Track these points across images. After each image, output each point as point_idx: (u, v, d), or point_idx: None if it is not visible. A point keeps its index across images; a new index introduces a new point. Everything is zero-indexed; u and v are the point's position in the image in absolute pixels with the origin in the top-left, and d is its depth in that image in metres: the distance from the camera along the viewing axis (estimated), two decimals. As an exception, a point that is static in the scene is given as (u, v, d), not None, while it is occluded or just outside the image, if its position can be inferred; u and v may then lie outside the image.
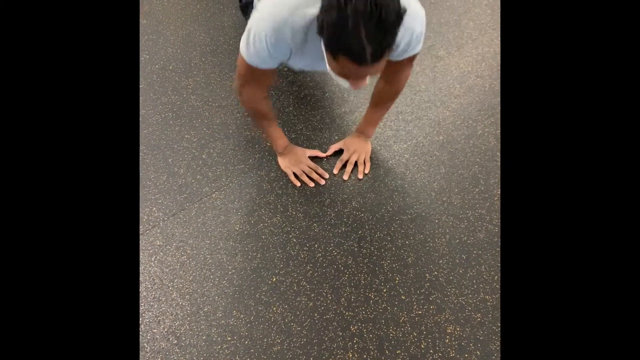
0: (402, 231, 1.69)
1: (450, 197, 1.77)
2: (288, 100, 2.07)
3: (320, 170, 1.83)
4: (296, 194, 1.78)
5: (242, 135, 1.93)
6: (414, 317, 1.51)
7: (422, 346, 1.46)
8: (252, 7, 1.72)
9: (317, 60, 1.37)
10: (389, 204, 1.75)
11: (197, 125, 1.97)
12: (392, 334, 1.48)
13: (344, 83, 1.28)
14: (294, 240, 1.66)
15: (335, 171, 1.83)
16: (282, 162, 1.83)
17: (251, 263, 1.61)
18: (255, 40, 1.33)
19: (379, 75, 1.56)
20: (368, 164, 1.85)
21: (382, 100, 1.75)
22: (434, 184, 1.80)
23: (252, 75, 1.46)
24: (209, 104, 2.03)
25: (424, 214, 1.74)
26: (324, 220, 1.71)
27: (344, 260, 1.62)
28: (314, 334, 1.48)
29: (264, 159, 1.87)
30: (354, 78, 1.23)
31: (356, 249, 1.65)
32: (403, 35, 1.33)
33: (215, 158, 1.87)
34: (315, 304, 1.53)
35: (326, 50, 1.18)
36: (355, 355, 1.44)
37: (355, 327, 1.49)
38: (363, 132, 1.86)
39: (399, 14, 1.10)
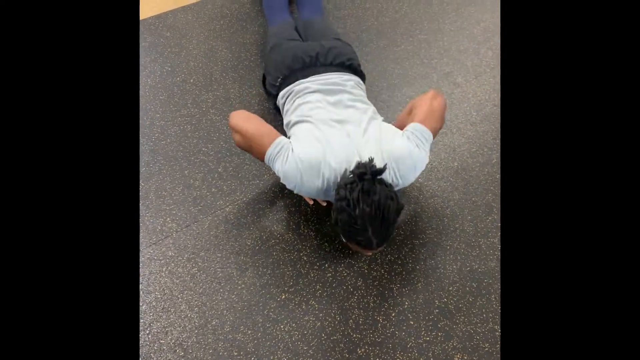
0: (413, 255, 1.69)
1: (462, 224, 1.77)
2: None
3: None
4: (309, 212, 1.79)
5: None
6: (422, 343, 1.50)
7: (429, 373, 1.45)
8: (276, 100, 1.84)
9: None
10: (401, 228, 1.76)
11: (214, 138, 1.99)
12: (399, 358, 1.47)
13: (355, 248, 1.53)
14: (305, 258, 1.67)
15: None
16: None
17: (261, 279, 1.62)
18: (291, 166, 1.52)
19: None
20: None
21: None
22: (446, 210, 1.81)
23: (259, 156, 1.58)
24: (227, 119, 2.05)
25: (435, 239, 1.73)
26: (336, 240, 1.71)
27: (354, 281, 1.62)
28: (320, 355, 1.47)
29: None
30: (363, 252, 1.50)
31: (366, 270, 1.65)
32: (403, 184, 1.56)
33: (231, 172, 1.88)
34: (323, 324, 1.53)
35: (340, 233, 1.44)
36: (361, 378, 1.43)
37: (363, 349, 1.49)
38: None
39: (398, 210, 1.40)
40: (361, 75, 1.82)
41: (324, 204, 1.79)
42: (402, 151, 1.51)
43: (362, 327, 1.53)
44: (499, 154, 1.98)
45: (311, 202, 1.80)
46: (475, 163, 1.95)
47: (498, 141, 2.03)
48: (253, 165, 1.90)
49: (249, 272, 1.63)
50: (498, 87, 2.24)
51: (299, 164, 1.48)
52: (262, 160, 1.56)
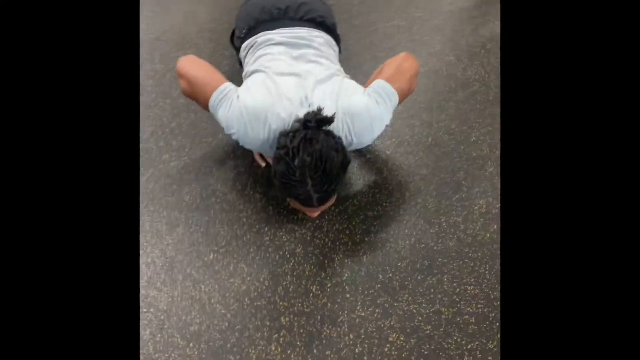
0: (364, 227, 1.52)
1: (425, 200, 1.59)
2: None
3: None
4: (259, 175, 1.64)
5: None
6: (355, 318, 1.33)
7: (357, 351, 1.27)
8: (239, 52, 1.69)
9: None
10: (356, 198, 1.59)
11: (174, 95, 1.88)
12: (326, 332, 1.30)
13: (300, 208, 1.43)
14: (244, 220, 1.52)
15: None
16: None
17: (191, 237, 1.47)
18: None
19: None
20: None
21: None
22: (410, 184, 1.63)
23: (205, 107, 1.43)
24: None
25: (392, 212, 1.56)
26: (281, 204, 1.56)
27: (293, 247, 1.46)
28: (238, 319, 1.31)
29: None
30: (305, 211, 1.38)
31: (309, 238, 1.49)
32: (359, 144, 1.41)
33: (184, 129, 1.76)
34: (248, 288, 1.37)
35: (278, 192, 1.33)
36: (279, 349, 1.26)
37: (287, 318, 1.32)
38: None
39: (344, 164, 1.27)
40: (335, 35, 1.67)
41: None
42: (359, 107, 1.35)
43: (291, 295, 1.36)
44: (479, 134, 1.80)
45: (263, 164, 1.65)
46: (452, 140, 1.77)
47: (480, 120, 1.84)
48: (209, 123, 1.77)
49: (179, 229, 1.49)
50: (490, 67, 2.07)
51: (243, 112, 1.33)
52: (208, 109, 1.42)
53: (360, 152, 1.71)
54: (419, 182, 1.64)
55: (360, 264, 1.44)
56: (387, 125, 1.39)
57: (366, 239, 1.49)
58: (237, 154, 1.69)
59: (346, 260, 1.44)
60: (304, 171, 1.22)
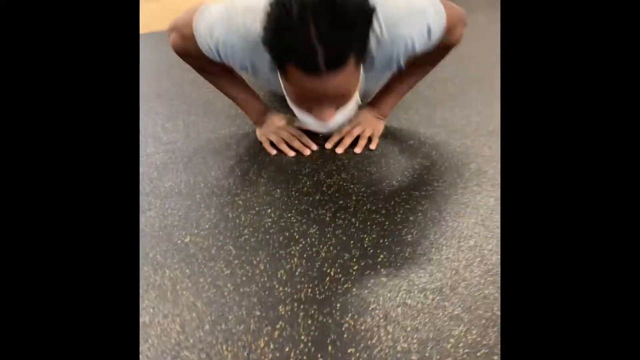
0: (407, 206, 1.06)
1: (489, 181, 1.14)
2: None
3: (306, 139, 1.29)
4: (267, 161, 1.24)
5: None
6: (397, 305, 0.83)
7: (399, 348, 0.76)
8: None
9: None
10: (395, 178, 1.16)
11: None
12: (349, 323, 0.80)
13: (308, 120, 1.00)
14: (240, 202, 1.10)
15: (328, 145, 1.29)
16: (259, 132, 1.33)
17: (164, 220, 1.05)
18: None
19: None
20: (375, 141, 1.30)
21: (418, 59, 1.25)
22: (468, 165, 1.19)
23: (192, 45, 1.09)
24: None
25: (446, 192, 1.10)
26: (294, 188, 1.14)
27: (304, 228, 1.01)
28: (212, 309, 0.84)
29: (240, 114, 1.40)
30: (315, 103, 0.93)
31: (328, 218, 1.04)
32: (391, 49, 1.00)
33: (180, 126, 1.42)
34: (235, 272, 0.91)
35: (274, 62, 0.88)
36: (271, 345, 0.78)
37: (287, 307, 0.84)
38: (377, 105, 1.34)
39: (363, 9, 0.85)
40: None
41: (292, 154, 1.28)
42: None
43: (297, 279, 0.92)
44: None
45: (273, 152, 1.27)
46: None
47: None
48: (210, 119, 1.43)
49: (150, 213, 1.08)
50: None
51: (229, 8, 1.01)
52: (195, 50, 1.09)
53: (400, 138, 1.30)
54: (482, 163, 1.19)
55: (403, 243, 0.96)
56: (431, 28, 1.00)
57: (411, 217, 1.03)
58: (240, 144, 1.31)
59: (382, 241, 0.97)
60: (304, 9, 0.81)
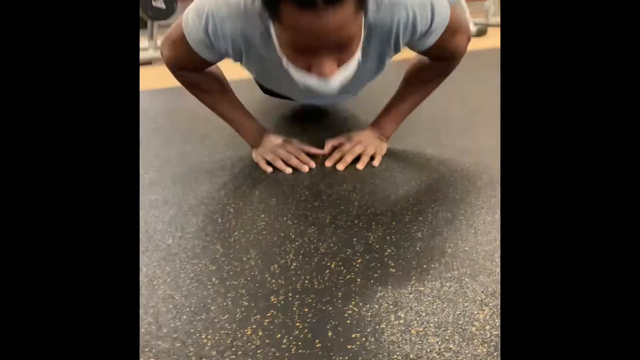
0: (415, 209, 0.96)
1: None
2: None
3: (304, 157, 1.22)
4: (262, 177, 1.16)
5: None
6: (408, 293, 0.71)
7: (414, 332, 0.63)
8: None
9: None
10: (402, 188, 1.07)
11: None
12: (353, 310, 0.68)
13: (309, 81, 0.89)
14: (231, 210, 1.00)
15: (328, 163, 1.22)
16: (255, 153, 1.26)
17: (145, 226, 0.96)
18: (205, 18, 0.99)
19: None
20: (378, 159, 1.22)
21: (420, 75, 1.22)
22: (483, 175, 1.10)
23: (185, 50, 1.06)
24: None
25: (458, 197, 1.01)
26: (291, 197, 1.04)
27: (302, 229, 0.91)
28: (192, 302, 0.73)
29: (238, 141, 1.33)
30: (313, 53, 0.84)
31: (328, 220, 0.93)
32: (391, 15, 0.95)
33: (173, 160, 1.36)
34: (221, 267, 0.80)
35: (268, 10, 0.83)
36: (260, 332, 0.65)
37: (281, 297, 0.72)
38: (379, 125, 1.28)
39: None
40: None
41: (288, 171, 1.20)
42: None
43: (292, 272, 0.80)
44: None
45: (269, 169, 1.19)
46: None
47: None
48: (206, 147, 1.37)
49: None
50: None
51: None
52: (187, 55, 1.05)
53: (406, 157, 1.22)
54: (494, 173, 1.11)
55: (413, 239, 0.85)
56: (435, 9, 0.96)
57: (420, 218, 0.92)
58: (235, 166, 1.23)
59: (389, 238, 0.86)
60: None
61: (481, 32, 3.60)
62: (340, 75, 0.87)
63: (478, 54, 2.67)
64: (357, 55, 0.89)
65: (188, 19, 0.99)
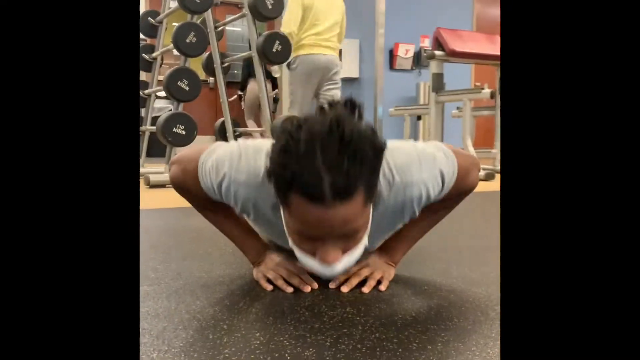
0: (424, 337, 0.90)
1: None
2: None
3: (307, 276, 1.17)
4: (261, 295, 1.11)
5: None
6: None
7: None
8: None
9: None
10: (409, 314, 1.01)
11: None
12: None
13: (311, 264, 0.93)
14: (224, 326, 0.94)
15: (332, 285, 1.16)
16: (256, 271, 1.22)
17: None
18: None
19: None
20: (385, 283, 1.17)
21: (431, 203, 1.22)
22: (496, 307, 1.05)
23: (193, 181, 1.09)
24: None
25: (470, 327, 0.95)
26: (290, 317, 0.98)
27: (299, 350, 0.84)
28: None
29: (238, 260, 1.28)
30: (319, 241, 0.87)
31: (328, 343, 0.87)
32: (404, 195, 1.00)
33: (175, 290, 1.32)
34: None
35: (278, 196, 0.87)
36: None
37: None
38: (387, 250, 1.25)
39: (373, 144, 0.82)
40: None
41: (290, 290, 1.14)
42: (399, 143, 1.05)
43: None
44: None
45: (269, 288, 1.14)
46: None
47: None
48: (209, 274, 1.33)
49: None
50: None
51: (241, 147, 1.02)
52: (194, 185, 1.07)
53: (415, 283, 1.17)
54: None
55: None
56: (444, 173, 1.00)
57: (429, 346, 0.85)
58: (234, 283, 1.18)
59: (394, 365, 0.78)
60: (312, 141, 0.77)
61: (489, 177, 3.68)
62: (344, 262, 0.89)
63: (487, 195, 2.69)
64: (364, 242, 0.91)
65: (205, 167, 1.01)
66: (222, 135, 3.79)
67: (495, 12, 7.65)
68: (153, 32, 4.34)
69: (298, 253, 0.93)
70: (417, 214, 1.05)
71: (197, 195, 1.11)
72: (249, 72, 5.56)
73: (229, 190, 0.99)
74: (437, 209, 1.18)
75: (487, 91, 4.05)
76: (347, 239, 0.87)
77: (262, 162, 0.91)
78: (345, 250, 0.89)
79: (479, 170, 1.17)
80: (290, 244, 0.94)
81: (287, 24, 3.70)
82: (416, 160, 0.98)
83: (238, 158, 0.98)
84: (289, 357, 0.81)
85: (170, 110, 4.06)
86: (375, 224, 0.97)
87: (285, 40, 3.35)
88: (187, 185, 1.10)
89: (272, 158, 0.82)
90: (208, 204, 1.15)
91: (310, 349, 0.83)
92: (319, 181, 0.76)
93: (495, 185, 3.32)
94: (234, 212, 1.19)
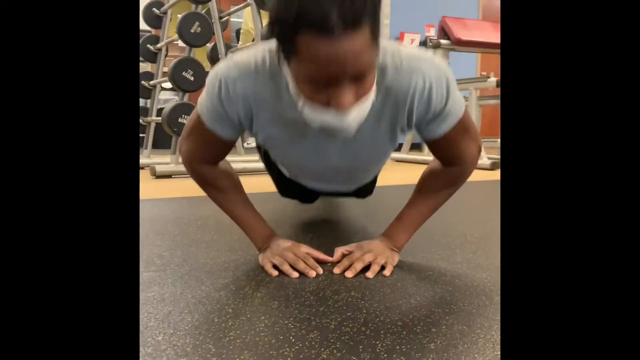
0: (429, 320, 0.90)
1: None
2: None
3: (312, 261, 1.17)
4: (266, 280, 1.11)
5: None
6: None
7: None
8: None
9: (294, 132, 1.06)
10: (414, 298, 1.01)
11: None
12: None
13: (326, 118, 0.88)
14: (229, 310, 0.95)
15: (336, 270, 1.17)
16: (262, 256, 1.23)
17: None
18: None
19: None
20: (390, 268, 1.17)
21: (431, 184, 1.22)
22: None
23: (201, 135, 1.12)
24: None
25: (475, 311, 0.95)
26: (294, 301, 0.99)
27: (303, 333, 0.84)
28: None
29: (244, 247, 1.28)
30: (332, 84, 0.83)
31: (332, 326, 0.87)
32: (409, 80, 0.98)
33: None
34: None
35: (283, 49, 0.85)
36: None
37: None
38: (390, 235, 1.25)
39: None
40: None
41: (295, 275, 1.14)
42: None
43: None
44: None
45: (275, 273, 1.15)
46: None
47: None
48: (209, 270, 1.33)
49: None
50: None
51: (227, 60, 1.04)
52: (202, 141, 1.11)
53: (422, 269, 1.17)
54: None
55: (425, 350, 0.78)
56: (450, 88, 1.01)
57: (434, 329, 0.86)
58: (240, 269, 1.19)
59: (399, 348, 0.79)
60: None
61: (495, 166, 3.66)
62: (356, 110, 0.86)
63: (492, 184, 2.68)
64: (372, 94, 0.89)
65: (202, 99, 1.05)
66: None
67: (502, 0, 7.58)
68: (157, 22, 4.34)
69: (309, 112, 0.88)
70: (414, 120, 1.02)
71: (209, 153, 1.14)
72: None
73: (228, 92, 0.99)
74: (436, 188, 1.18)
75: (492, 80, 4.02)
76: (358, 82, 0.84)
77: (251, 57, 0.98)
78: (357, 97, 0.86)
79: (479, 151, 1.17)
80: (300, 106, 0.90)
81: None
82: (429, 60, 0.99)
83: (227, 67, 1.01)
84: (293, 340, 0.81)
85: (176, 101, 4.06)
86: (379, 113, 1.00)
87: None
88: (196, 146, 1.13)
89: (273, 7, 0.81)
90: (219, 179, 1.19)
91: (315, 332, 0.84)
92: (327, 12, 0.74)
93: (500, 174, 3.31)
94: (242, 193, 1.20)
